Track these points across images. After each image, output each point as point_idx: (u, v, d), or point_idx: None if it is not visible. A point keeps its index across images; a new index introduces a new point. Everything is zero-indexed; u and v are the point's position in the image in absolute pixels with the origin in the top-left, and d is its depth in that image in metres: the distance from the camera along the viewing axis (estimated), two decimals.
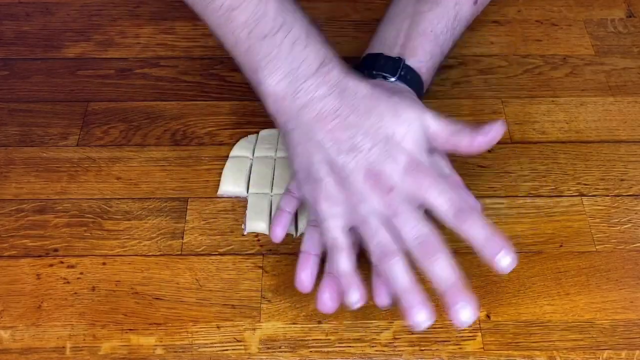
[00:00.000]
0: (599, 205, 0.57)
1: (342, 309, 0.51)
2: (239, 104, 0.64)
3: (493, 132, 0.48)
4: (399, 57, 0.55)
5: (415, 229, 0.45)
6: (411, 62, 0.55)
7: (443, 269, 0.45)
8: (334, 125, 0.46)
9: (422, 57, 0.56)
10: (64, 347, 0.49)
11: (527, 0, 0.74)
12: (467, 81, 0.66)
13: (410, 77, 0.55)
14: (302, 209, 0.55)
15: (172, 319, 0.51)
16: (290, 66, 0.47)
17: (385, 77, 0.54)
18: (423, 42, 0.56)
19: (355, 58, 0.68)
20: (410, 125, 0.47)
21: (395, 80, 0.54)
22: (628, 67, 0.67)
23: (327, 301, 0.48)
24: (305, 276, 0.49)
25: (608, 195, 0.57)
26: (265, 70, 0.47)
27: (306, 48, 0.47)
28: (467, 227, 0.45)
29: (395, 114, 0.47)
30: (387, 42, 0.57)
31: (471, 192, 0.53)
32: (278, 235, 0.52)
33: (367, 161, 0.46)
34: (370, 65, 0.56)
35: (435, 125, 0.48)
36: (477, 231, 0.45)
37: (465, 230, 0.45)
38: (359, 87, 0.48)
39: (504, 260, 0.45)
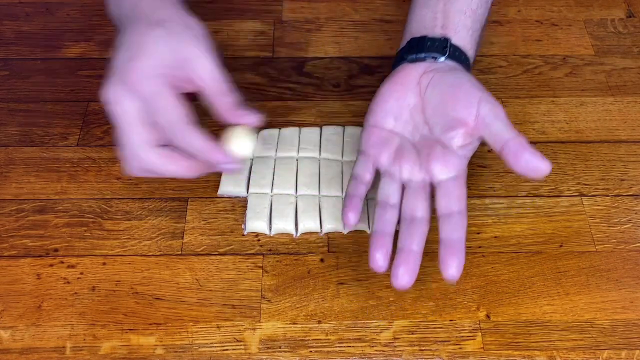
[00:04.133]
0: (599, 205, 0.57)
1: (342, 309, 0.51)
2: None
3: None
4: (444, 37, 0.55)
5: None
6: (455, 40, 0.55)
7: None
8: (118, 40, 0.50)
9: (464, 34, 0.56)
10: (64, 347, 0.49)
11: (527, 0, 0.74)
12: None
13: (458, 54, 0.55)
14: (302, 210, 0.56)
15: (172, 319, 0.51)
16: None
17: (435, 58, 0.54)
18: (462, 20, 0.56)
19: (355, 58, 0.68)
20: None
21: (445, 59, 0.54)
22: (628, 67, 0.67)
23: (403, 275, 0.47)
24: (380, 255, 0.48)
25: (608, 195, 0.58)
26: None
27: None
28: (180, 143, 0.48)
29: None
30: (425, 24, 0.57)
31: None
32: (351, 220, 0.51)
33: None
34: (417, 48, 0.55)
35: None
36: None
37: (182, 146, 0.48)
38: (147, 4, 0.50)
39: (224, 168, 0.50)
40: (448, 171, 0.50)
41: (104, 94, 0.47)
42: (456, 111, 0.51)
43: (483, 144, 0.61)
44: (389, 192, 0.52)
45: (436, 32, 0.56)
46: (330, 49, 0.69)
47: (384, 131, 0.53)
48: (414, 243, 0.49)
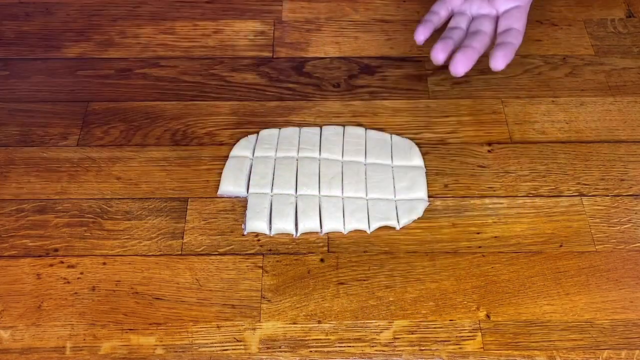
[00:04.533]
0: (598, 205, 0.57)
1: (342, 309, 0.51)
2: (239, 104, 0.64)
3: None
4: None
5: None
6: None
7: None
8: None
9: None
10: (64, 347, 0.49)
11: None
12: (467, 81, 0.66)
13: None
14: (302, 210, 0.56)
15: (172, 319, 0.51)
16: None
17: None
18: None
19: (355, 58, 0.68)
20: None
21: None
22: (628, 67, 0.67)
23: (460, 62, 0.56)
24: (441, 47, 0.58)
25: (608, 195, 0.58)
26: None
27: None
28: None
29: None
30: None
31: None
32: (420, 37, 0.60)
33: None
34: None
35: None
36: None
37: None
38: None
39: None
40: (510, 2, 0.59)
41: None
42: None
43: (482, 144, 0.61)
44: (459, 22, 0.61)
45: None
46: (330, 49, 0.69)
47: (438, 18, 0.61)
48: (476, 41, 0.57)
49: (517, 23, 0.58)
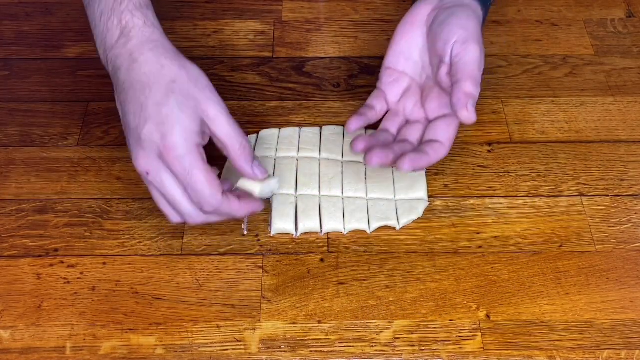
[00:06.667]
0: (598, 205, 0.57)
1: (342, 309, 0.51)
2: (239, 104, 0.64)
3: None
4: None
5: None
6: None
7: None
8: (123, 99, 0.50)
9: None
10: (64, 347, 0.49)
11: (527, 0, 0.74)
12: None
13: None
14: (302, 210, 0.55)
15: (172, 319, 0.51)
16: (100, 36, 0.51)
17: None
18: None
19: (355, 58, 0.68)
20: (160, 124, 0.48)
21: None
22: (628, 67, 0.67)
23: (375, 155, 0.52)
24: (362, 142, 0.54)
25: (608, 195, 0.57)
26: (94, 38, 0.52)
27: (110, 19, 0.50)
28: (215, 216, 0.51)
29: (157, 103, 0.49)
30: None
31: None
32: (352, 126, 0.57)
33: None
34: None
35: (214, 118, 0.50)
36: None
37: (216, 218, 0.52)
38: (146, 64, 0.49)
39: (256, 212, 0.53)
40: (441, 110, 0.55)
41: (140, 164, 0.48)
42: (438, 51, 0.53)
43: (482, 144, 0.61)
44: (390, 124, 0.57)
45: None
46: (330, 49, 0.69)
47: (395, 72, 0.57)
48: (397, 146, 0.54)
49: (443, 134, 0.54)
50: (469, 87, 0.50)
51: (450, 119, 0.54)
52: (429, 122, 0.56)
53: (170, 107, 0.48)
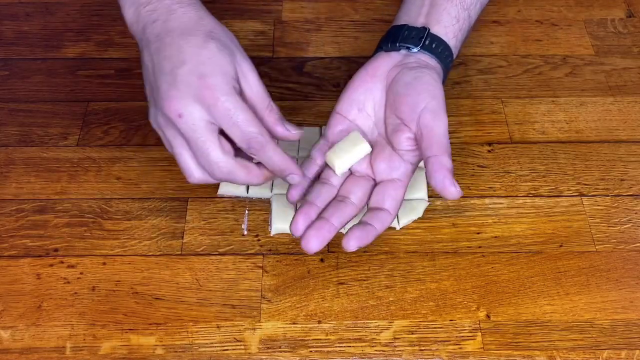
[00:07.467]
0: (599, 205, 0.57)
1: (342, 309, 0.51)
2: None
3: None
4: (424, 27, 0.55)
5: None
6: (436, 29, 0.55)
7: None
8: (156, 47, 0.49)
9: (448, 22, 0.55)
10: (64, 347, 0.49)
11: (527, 0, 0.74)
12: (467, 81, 0.66)
13: (435, 45, 0.54)
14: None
15: (172, 319, 0.51)
16: None
17: (408, 48, 0.54)
18: (448, 8, 0.55)
19: (355, 58, 0.68)
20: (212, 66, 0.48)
21: (418, 51, 0.53)
22: (628, 67, 0.67)
23: (312, 239, 0.49)
24: (302, 221, 0.49)
25: (608, 195, 0.57)
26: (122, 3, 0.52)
27: None
28: (260, 156, 0.48)
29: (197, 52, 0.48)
30: (411, 12, 0.57)
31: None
32: (294, 196, 0.53)
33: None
34: (393, 37, 0.55)
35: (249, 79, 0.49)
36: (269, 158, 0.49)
37: (260, 158, 0.49)
38: (185, 14, 0.49)
39: (292, 179, 0.50)
40: (389, 173, 0.51)
41: (171, 105, 0.47)
42: (402, 114, 0.51)
43: (482, 144, 0.61)
44: (333, 175, 0.53)
45: (419, 20, 0.55)
46: (330, 49, 0.69)
47: (346, 120, 0.53)
48: (335, 217, 0.50)
49: (390, 203, 0.50)
50: (447, 162, 0.48)
51: (398, 183, 0.51)
52: (375, 182, 0.52)
53: (210, 51, 0.47)
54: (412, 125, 0.50)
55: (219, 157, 0.47)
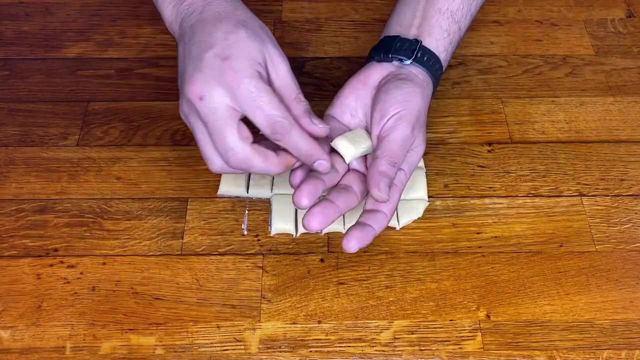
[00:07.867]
0: (599, 205, 0.57)
1: (342, 309, 0.51)
2: None
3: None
4: (416, 39, 0.55)
5: None
6: (427, 41, 0.55)
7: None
8: (190, 35, 0.49)
9: (439, 35, 0.56)
10: (64, 347, 0.49)
11: (527, 0, 0.74)
12: (466, 81, 0.66)
13: (427, 58, 0.55)
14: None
15: (172, 319, 0.51)
16: None
17: (401, 60, 0.54)
18: (439, 20, 0.56)
19: (355, 58, 0.68)
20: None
21: (411, 63, 0.54)
22: (628, 67, 0.67)
23: (315, 217, 0.48)
24: (307, 193, 0.48)
25: (608, 195, 0.57)
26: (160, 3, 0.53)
27: None
28: (285, 141, 0.47)
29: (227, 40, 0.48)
30: (403, 23, 0.57)
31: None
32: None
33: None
34: (385, 48, 0.55)
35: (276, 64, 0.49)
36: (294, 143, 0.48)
37: (285, 144, 0.48)
38: (219, 5, 0.50)
39: (320, 165, 0.48)
40: None
41: (194, 88, 0.46)
42: (373, 118, 0.52)
43: (482, 144, 0.61)
44: (338, 161, 0.52)
45: (411, 32, 0.56)
46: (330, 49, 0.69)
47: (338, 123, 0.54)
48: (340, 201, 0.49)
49: (386, 205, 0.50)
50: (384, 166, 0.48)
51: (394, 188, 0.50)
52: None
53: (239, 35, 0.47)
54: (376, 132, 0.51)
55: (235, 142, 0.46)
